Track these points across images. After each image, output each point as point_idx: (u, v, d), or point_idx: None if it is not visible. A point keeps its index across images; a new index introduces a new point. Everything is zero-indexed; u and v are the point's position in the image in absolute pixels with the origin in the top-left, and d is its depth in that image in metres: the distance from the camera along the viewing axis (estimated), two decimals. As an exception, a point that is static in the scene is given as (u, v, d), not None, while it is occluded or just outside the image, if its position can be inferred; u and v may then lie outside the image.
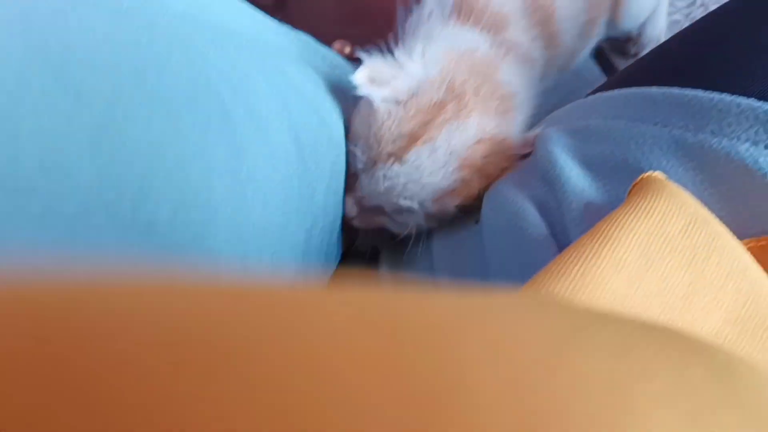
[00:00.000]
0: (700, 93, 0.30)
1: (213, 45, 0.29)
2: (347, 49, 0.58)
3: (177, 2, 0.29)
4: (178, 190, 0.24)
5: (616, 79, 0.39)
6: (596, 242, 0.23)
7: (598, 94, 0.36)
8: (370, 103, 0.38)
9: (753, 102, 0.29)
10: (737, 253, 0.25)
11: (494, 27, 0.42)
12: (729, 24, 0.35)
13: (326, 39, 0.58)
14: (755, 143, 0.28)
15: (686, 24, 0.59)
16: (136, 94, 0.23)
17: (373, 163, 0.38)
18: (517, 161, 0.39)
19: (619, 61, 0.64)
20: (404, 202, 0.38)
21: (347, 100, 0.43)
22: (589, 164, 0.33)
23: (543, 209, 0.33)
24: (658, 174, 0.28)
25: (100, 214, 0.21)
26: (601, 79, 0.62)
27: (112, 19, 0.25)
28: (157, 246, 0.23)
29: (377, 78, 0.37)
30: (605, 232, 0.24)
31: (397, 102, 0.37)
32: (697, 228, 0.25)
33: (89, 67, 0.22)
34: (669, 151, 0.30)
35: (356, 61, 0.58)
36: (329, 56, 0.49)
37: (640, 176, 0.28)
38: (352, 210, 0.40)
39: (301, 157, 0.34)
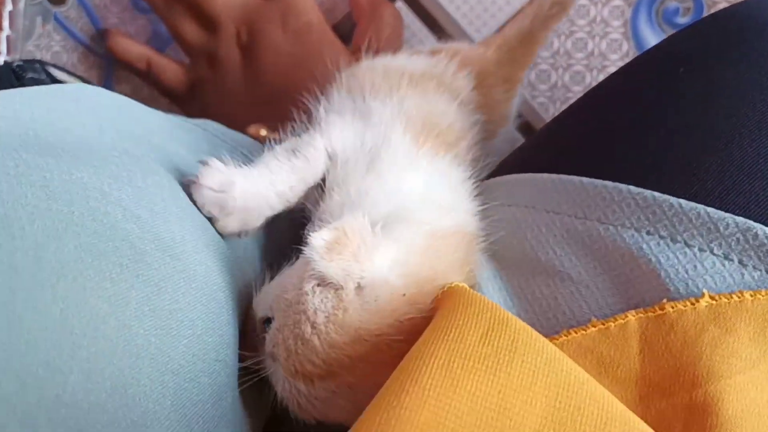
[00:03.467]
0: (584, 180, 0.32)
1: (116, 181, 0.29)
2: (263, 132, 0.58)
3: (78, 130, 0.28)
4: (90, 351, 0.24)
5: (513, 160, 0.40)
6: (399, 379, 0.23)
7: (495, 179, 0.38)
8: (300, 292, 0.31)
9: (632, 188, 0.30)
10: (540, 347, 0.25)
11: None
12: (612, 104, 0.37)
13: (241, 123, 0.59)
14: (638, 230, 0.29)
15: (587, 76, 0.62)
16: (34, 272, 0.23)
17: (276, 359, 0.32)
18: None
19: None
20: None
21: None
22: (493, 253, 0.34)
23: None
24: (455, 285, 0.28)
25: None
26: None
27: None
28: (72, 407, 0.23)
29: (338, 246, 0.30)
30: (407, 365, 0.24)
31: (335, 289, 0.30)
32: (496, 333, 0.25)
33: None
34: (562, 239, 0.31)
35: (274, 141, 0.58)
36: (237, 139, 0.48)
37: (441, 290, 0.28)
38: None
39: (224, 268, 0.33)
